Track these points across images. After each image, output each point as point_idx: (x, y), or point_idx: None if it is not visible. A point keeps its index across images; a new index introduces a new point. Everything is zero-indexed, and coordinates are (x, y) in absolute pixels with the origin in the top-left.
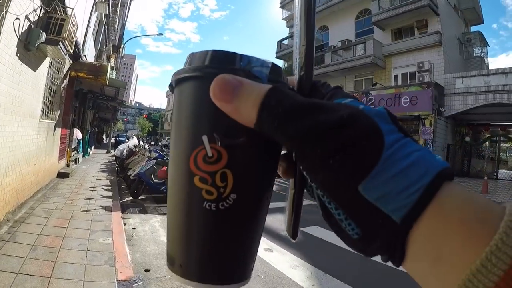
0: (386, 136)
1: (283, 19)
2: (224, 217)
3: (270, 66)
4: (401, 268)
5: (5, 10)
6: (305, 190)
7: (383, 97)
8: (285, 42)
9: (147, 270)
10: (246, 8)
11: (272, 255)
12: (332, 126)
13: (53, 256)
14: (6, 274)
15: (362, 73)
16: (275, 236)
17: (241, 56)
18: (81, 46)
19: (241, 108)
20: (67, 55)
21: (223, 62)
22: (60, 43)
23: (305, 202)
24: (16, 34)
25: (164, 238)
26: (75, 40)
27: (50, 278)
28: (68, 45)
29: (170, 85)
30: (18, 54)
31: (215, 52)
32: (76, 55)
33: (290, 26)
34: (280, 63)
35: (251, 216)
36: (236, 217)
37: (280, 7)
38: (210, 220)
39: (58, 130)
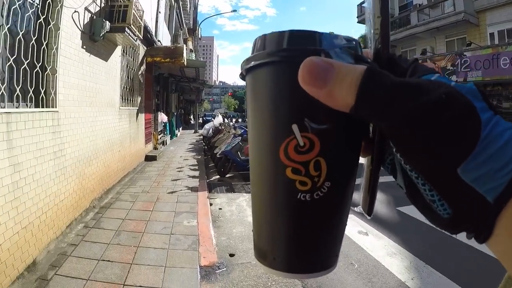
0: (480, 113)
1: None
2: (319, 206)
3: (354, 43)
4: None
5: (59, 5)
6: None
7: (479, 58)
8: (365, 4)
9: (231, 255)
10: None
11: (367, 240)
12: (434, 107)
13: (135, 241)
14: (88, 261)
15: (454, 33)
16: (373, 217)
17: (322, 35)
18: (153, 32)
19: (335, 93)
20: (138, 40)
21: (303, 43)
22: (126, 29)
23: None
24: (78, 27)
25: (251, 218)
26: (143, 25)
27: (131, 264)
28: (136, 30)
29: (241, 74)
30: (84, 46)
31: (293, 33)
32: (149, 41)
33: None
34: (362, 27)
35: (345, 202)
36: (331, 205)
37: None
38: (305, 211)
39: (142, 116)
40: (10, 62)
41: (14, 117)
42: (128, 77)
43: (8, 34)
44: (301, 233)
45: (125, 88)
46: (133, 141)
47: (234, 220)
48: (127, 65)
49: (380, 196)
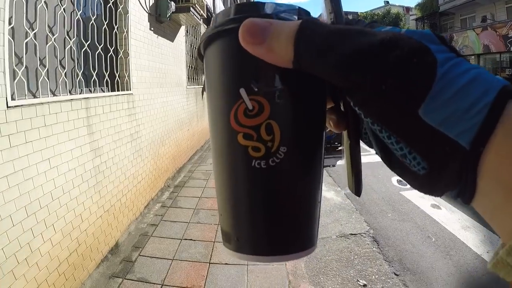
0: (436, 54)
1: None
2: (276, 174)
3: (297, 9)
4: None
5: None
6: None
7: None
8: None
9: None
10: None
11: (441, 213)
12: (377, 48)
13: (215, 219)
14: (171, 241)
15: None
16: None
17: (265, 4)
18: (212, 10)
19: (275, 47)
20: (201, 19)
21: (247, 12)
22: (191, 8)
23: None
24: (144, 9)
25: (326, 194)
26: (205, 3)
27: (213, 242)
28: (200, 10)
29: (199, 55)
30: (152, 28)
31: (238, 5)
32: (209, 20)
33: None
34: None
35: (308, 170)
36: (289, 172)
37: None
38: (262, 180)
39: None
40: (85, 48)
41: (93, 102)
42: (192, 56)
43: (81, 20)
44: (262, 207)
45: (190, 67)
46: (200, 119)
47: None
48: (191, 45)
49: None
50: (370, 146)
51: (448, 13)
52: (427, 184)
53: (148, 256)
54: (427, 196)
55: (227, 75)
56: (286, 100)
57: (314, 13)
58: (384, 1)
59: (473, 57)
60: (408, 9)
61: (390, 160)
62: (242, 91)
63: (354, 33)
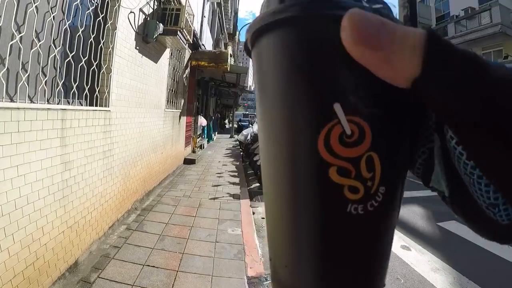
0: None
1: None
2: (373, 221)
3: (389, 6)
4: None
5: (117, 4)
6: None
7: None
8: None
9: None
10: None
11: (410, 254)
12: None
13: (180, 248)
14: (133, 266)
15: (490, 45)
16: (412, 232)
17: None
18: (198, 35)
19: (395, 58)
20: (187, 44)
21: None
22: (178, 32)
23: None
24: (132, 28)
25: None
26: (193, 29)
27: (177, 271)
28: (186, 34)
29: (246, 47)
30: (138, 47)
31: None
32: (195, 45)
33: None
34: None
35: (398, 212)
36: (386, 218)
37: None
38: (357, 229)
39: (183, 118)
40: (69, 58)
41: (69, 114)
42: (173, 79)
43: (68, 30)
44: (354, 259)
45: (170, 91)
46: (174, 144)
47: None
48: (173, 68)
49: (420, 211)
50: (421, 177)
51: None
52: (506, 233)
53: (107, 279)
54: (397, 236)
55: (312, 82)
56: (389, 128)
57: None
58: None
59: None
60: None
61: (464, 202)
62: (338, 108)
63: (492, 64)
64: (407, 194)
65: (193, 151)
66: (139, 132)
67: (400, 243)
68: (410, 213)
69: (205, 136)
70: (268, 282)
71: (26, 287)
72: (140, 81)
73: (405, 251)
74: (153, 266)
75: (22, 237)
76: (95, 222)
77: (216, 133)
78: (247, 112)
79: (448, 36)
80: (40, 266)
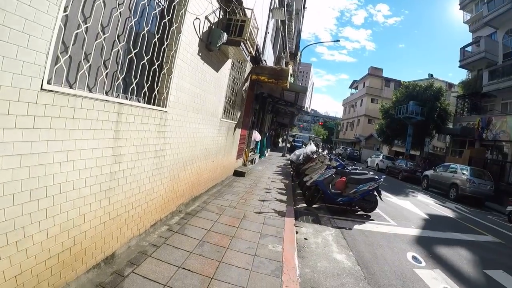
0: None
1: (464, 22)
2: None
3: None
4: None
5: (183, 9)
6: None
7: None
8: (469, 49)
9: None
10: (421, 12)
11: None
12: None
13: (218, 256)
14: (168, 266)
15: None
16: (456, 275)
17: None
18: (261, 50)
19: None
20: (249, 57)
21: None
22: (242, 43)
23: (489, 238)
24: (197, 34)
25: (337, 255)
26: (256, 42)
27: (211, 278)
28: (250, 47)
29: None
30: (200, 54)
31: None
32: (256, 59)
33: (474, 30)
34: (464, 72)
35: None
36: None
37: (460, 9)
38: None
39: (238, 131)
40: (131, 55)
41: (126, 109)
42: (233, 90)
43: (134, 27)
44: None
45: (228, 101)
46: (226, 154)
47: (319, 253)
48: (233, 79)
49: (467, 255)
50: None
51: (490, 95)
52: None
53: (141, 275)
54: (440, 278)
55: None
56: None
57: None
58: (429, 74)
59: (508, 143)
60: (451, 85)
61: None
62: None
63: None
64: (454, 236)
65: (244, 164)
66: (193, 137)
67: (443, 285)
68: (457, 255)
69: (258, 151)
70: None
71: (60, 270)
72: (199, 87)
73: None
74: (189, 270)
75: (63, 221)
76: (138, 218)
77: (269, 150)
78: (301, 134)
79: None
80: (76, 252)
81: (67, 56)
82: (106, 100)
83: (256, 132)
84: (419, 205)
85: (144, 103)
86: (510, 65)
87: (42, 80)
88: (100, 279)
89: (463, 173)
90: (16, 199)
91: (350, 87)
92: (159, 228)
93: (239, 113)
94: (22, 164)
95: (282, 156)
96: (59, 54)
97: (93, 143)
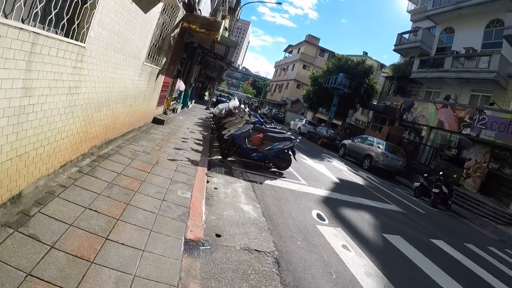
0: None
1: (408, 11)
2: None
3: None
4: None
5: None
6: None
7: (496, 120)
8: (406, 36)
9: (218, 235)
10: None
11: (349, 255)
12: None
13: (126, 198)
14: (75, 207)
15: (481, 88)
16: (356, 236)
17: None
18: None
19: None
20: (181, 3)
21: None
22: None
23: (393, 207)
24: None
25: (244, 206)
26: None
27: (117, 220)
28: None
29: None
30: None
31: None
32: (190, 7)
33: (415, 20)
34: (396, 57)
35: None
36: None
37: None
38: None
39: (161, 77)
40: None
41: (41, 40)
42: (160, 35)
43: None
44: None
45: (154, 45)
46: (146, 100)
47: (227, 202)
48: (163, 24)
49: (369, 219)
50: None
51: (417, 81)
52: None
53: (47, 215)
54: (340, 236)
55: None
56: None
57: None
58: (363, 52)
59: (425, 127)
60: (382, 66)
61: None
62: None
63: None
64: (360, 201)
65: (165, 113)
66: (111, 77)
67: (341, 242)
68: (360, 218)
69: (181, 101)
70: (205, 247)
71: None
72: (124, 26)
73: (345, 250)
74: (95, 211)
75: None
76: (47, 158)
77: (193, 101)
78: (230, 91)
79: (443, 68)
80: None
81: None
82: (21, 28)
83: (181, 81)
84: (333, 170)
85: (62, 36)
86: (441, 59)
87: None
88: (5, 219)
89: (378, 147)
90: None
91: (285, 50)
92: (69, 169)
93: (165, 60)
94: None
95: (206, 109)
96: None
97: (3, 72)
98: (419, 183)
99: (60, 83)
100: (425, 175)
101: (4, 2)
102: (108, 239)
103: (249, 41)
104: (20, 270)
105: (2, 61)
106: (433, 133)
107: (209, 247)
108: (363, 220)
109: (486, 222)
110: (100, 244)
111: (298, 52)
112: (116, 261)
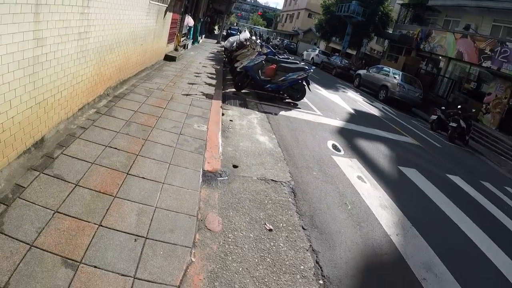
0: None
1: None
2: None
3: None
4: None
5: None
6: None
7: None
8: None
9: (235, 166)
10: None
11: (364, 186)
12: None
13: (144, 134)
14: (96, 146)
15: (504, 19)
16: (372, 167)
17: None
18: None
19: None
20: None
21: None
22: None
23: (409, 140)
24: None
25: (260, 137)
26: None
27: (137, 155)
28: None
29: None
30: None
31: None
32: None
33: None
34: None
35: None
36: None
37: None
38: None
39: (169, 15)
40: None
41: None
42: None
43: None
44: None
45: None
46: (156, 38)
47: (243, 134)
48: None
49: (385, 150)
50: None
51: (435, 9)
52: None
53: (69, 156)
54: (356, 167)
55: None
56: None
57: None
58: None
59: (443, 58)
60: None
61: None
62: None
63: None
64: (376, 132)
65: (176, 49)
66: (119, 19)
67: (357, 173)
68: (375, 149)
69: (191, 36)
70: (222, 178)
71: None
72: None
73: (360, 182)
74: (115, 148)
75: None
76: (65, 102)
77: (204, 36)
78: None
79: None
80: (6, 138)
81: None
82: None
83: (189, 17)
84: (348, 101)
85: None
86: None
87: None
88: (31, 163)
89: (394, 77)
90: None
91: None
92: (87, 111)
93: None
94: None
95: (217, 43)
96: None
97: (12, 27)
98: (436, 116)
99: (70, 30)
100: (443, 108)
101: None
102: (129, 174)
103: None
104: (48, 208)
105: (10, 16)
106: (451, 65)
107: (226, 177)
108: (379, 152)
109: (504, 161)
110: (122, 179)
111: None
112: (138, 194)
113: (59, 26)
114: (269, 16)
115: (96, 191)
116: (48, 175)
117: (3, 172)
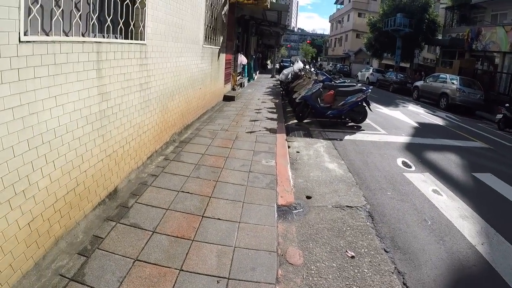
0: None
1: None
2: None
3: None
4: None
5: None
6: None
7: None
8: None
9: (308, 197)
10: None
11: (441, 199)
12: None
13: (215, 176)
14: (168, 192)
15: None
16: (445, 178)
17: None
18: None
19: None
20: None
21: None
22: None
23: (478, 144)
24: None
25: (329, 165)
26: None
27: (210, 197)
28: None
29: None
30: None
31: None
32: None
33: None
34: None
35: None
36: None
37: None
38: None
39: (223, 56)
40: None
41: (104, 47)
42: (212, 16)
43: None
44: None
45: (208, 27)
46: (213, 80)
47: (311, 164)
48: (211, 4)
49: (456, 159)
50: None
51: (480, 6)
52: None
53: (144, 204)
54: (429, 180)
55: None
56: None
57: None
58: None
59: (497, 54)
60: None
61: None
62: None
63: None
64: (444, 142)
65: (233, 89)
66: (176, 66)
67: (431, 187)
68: (446, 160)
69: (246, 74)
70: (297, 211)
71: (68, 211)
72: (175, 16)
73: (436, 195)
74: (188, 192)
75: (62, 164)
76: (134, 152)
77: (257, 72)
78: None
79: None
80: (80, 192)
81: (38, 6)
82: (83, 42)
83: (242, 55)
84: (410, 115)
85: (122, 38)
86: None
87: (19, 33)
88: (107, 214)
89: (453, 83)
90: (16, 150)
91: (336, 2)
92: (155, 159)
93: (222, 38)
94: (15, 116)
95: (272, 77)
96: (30, 5)
97: (78, 85)
98: (502, 115)
99: (131, 82)
100: (507, 105)
101: (62, 21)
102: (204, 216)
103: (297, 1)
104: (128, 257)
105: (74, 75)
106: (507, 59)
107: (301, 209)
108: (450, 162)
109: None
110: (198, 222)
111: (349, 1)
112: (215, 236)
113: (121, 79)
114: (318, 43)
115: (173, 236)
116: (125, 224)
117: (80, 224)
